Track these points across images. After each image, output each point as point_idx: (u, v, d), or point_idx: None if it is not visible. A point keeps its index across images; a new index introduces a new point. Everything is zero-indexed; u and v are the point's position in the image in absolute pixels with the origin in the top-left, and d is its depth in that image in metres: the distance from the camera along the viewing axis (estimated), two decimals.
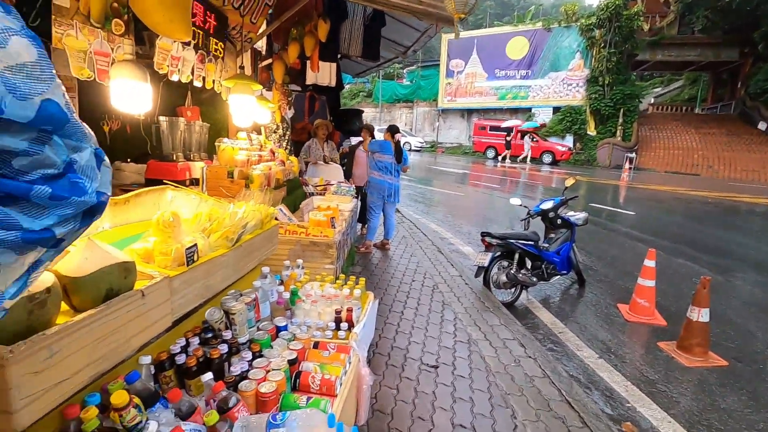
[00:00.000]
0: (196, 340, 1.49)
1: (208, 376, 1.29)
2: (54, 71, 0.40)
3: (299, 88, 6.43)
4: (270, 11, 4.13)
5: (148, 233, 1.47)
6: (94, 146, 0.47)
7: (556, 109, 24.90)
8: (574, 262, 5.09)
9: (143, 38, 2.94)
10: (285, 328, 1.76)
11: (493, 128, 24.74)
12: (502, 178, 16.37)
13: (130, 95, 2.00)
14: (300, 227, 2.99)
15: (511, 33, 26.16)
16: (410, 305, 4.02)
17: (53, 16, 2.11)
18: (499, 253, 4.63)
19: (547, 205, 5.09)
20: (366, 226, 5.89)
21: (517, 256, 4.62)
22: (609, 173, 18.85)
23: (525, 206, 5.20)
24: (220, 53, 3.51)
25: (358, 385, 1.79)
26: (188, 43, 3.03)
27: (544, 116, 25.17)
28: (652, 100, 28.36)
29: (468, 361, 3.09)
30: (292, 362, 1.49)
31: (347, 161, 6.12)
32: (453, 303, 4.15)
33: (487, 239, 4.62)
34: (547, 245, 4.83)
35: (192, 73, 3.24)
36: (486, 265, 4.54)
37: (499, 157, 23.56)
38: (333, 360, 1.60)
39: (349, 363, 1.64)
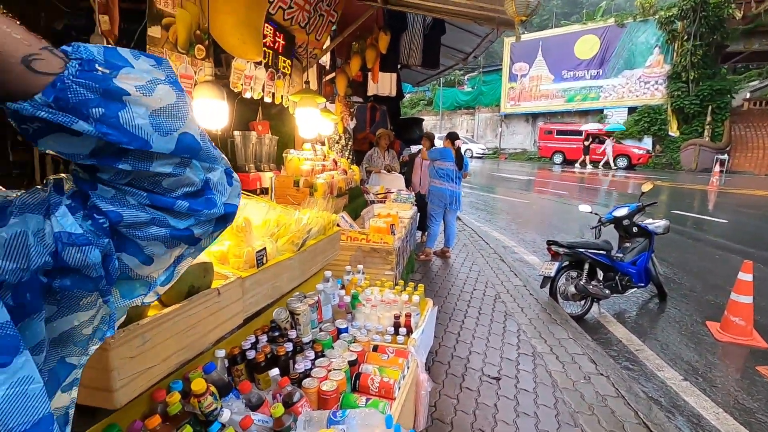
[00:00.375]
0: (264, 338, 1.59)
1: (275, 371, 1.37)
2: (189, 108, 0.50)
3: (361, 99, 6.63)
4: (333, 27, 4.32)
5: (223, 237, 1.61)
6: (225, 165, 0.57)
7: (631, 110, 23.15)
8: (654, 274, 4.69)
9: (221, 60, 3.23)
10: (346, 330, 1.82)
11: (560, 132, 23.55)
12: (571, 184, 15.51)
13: (210, 113, 2.20)
14: (361, 234, 3.07)
15: (580, 32, 24.86)
16: (471, 314, 3.94)
17: (147, 46, 2.40)
18: (567, 263, 4.40)
19: (621, 211, 4.76)
20: (426, 233, 5.89)
21: (586, 266, 4.35)
22: (695, 177, 17.10)
23: (596, 213, 4.90)
24: (288, 70, 3.73)
25: (416, 390, 1.79)
26: (259, 63, 3.26)
27: (617, 117, 23.50)
28: (748, 95, 25.31)
29: (532, 375, 2.96)
30: (352, 363, 1.54)
31: (407, 169, 6.18)
32: (516, 314, 4.00)
33: (554, 248, 4.42)
34: (621, 255, 4.50)
35: (263, 89, 3.48)
36: (552, 275, 4.33)
37: (577, 163, 22.15)
38: (392, 364, 1.63)
39: (408, 367, 1.66)
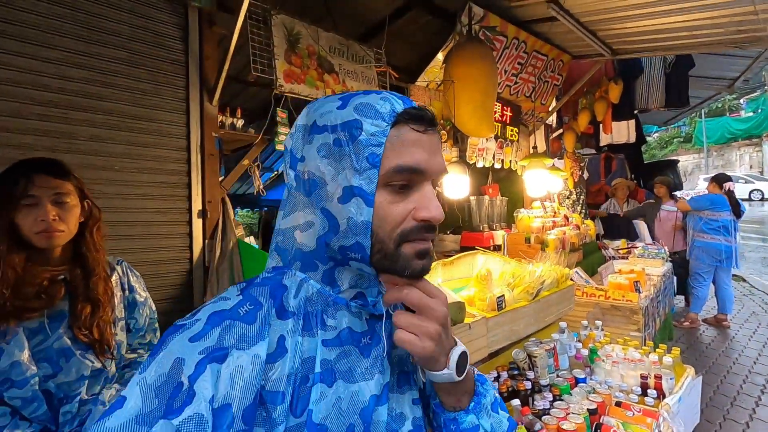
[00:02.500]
0: (505, 374, 1.82)
1: (516, 401, 1.58)
2: None
3: (593, 150, 6.34)
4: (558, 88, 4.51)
5: (470, 285, 1.98)
6: None
7: None
8: None
9: (458, 139, 3.89)
10: (584, 380, 1.85)
11: None
12: None
13: (457, 185, 2.74)
14: (599, 290, 2.96)
15: None
16: None
17: None
18: None
19: None
20: (689, 297, 4.91)
21: None
22: None
23: None
24: (515, 137, 4.10)
25: None
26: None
27: None
28: None
29: None
30: (592, 412, 1.58)
31: (647, 218, 5.37)
32: None
33: None
34: None
35: (493, 157, 3.94)
36: None
37: None
38: (638, 422, 1.57)
39: (658, 430, 1.56)
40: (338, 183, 0.53)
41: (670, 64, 4.79)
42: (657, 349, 2.11)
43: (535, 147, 3.72)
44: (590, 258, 3.77)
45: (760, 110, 24.29)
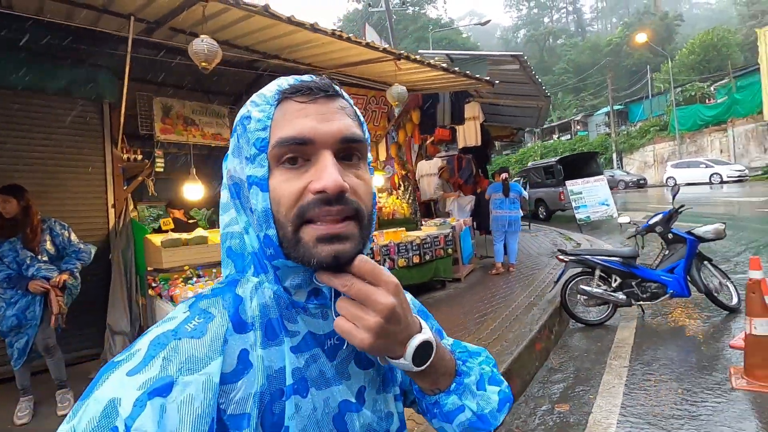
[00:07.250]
0: None
1: None
2: None
3: (456, 152, 8.30)
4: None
5: None
6: None
7: None
8: (702, 284, 4.35)
9: None
10: None
11: None
12: None
13: None
14: None
15: None
16: (475, 304, 4.97)
17: None
18: (579, 270, 4.76)
19: (655, 219, 4.75)
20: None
21: (597, 272, 4.63)
22: None
23: (634, 223, 5.01)
24: None
25: None
26: None
27: None
28: None
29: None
30: None
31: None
32: (517, 311, 4.76)
33: (560, 256, 4.89)
34: (657, 263, 4.62)
35: None
36: (555, 280, 4.83)
37: None
38: None
39: None
40: (244, 177, 0.51)
41: (452, 94, 6.63)
42: None
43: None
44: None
45: (728, 97, 25.23)
